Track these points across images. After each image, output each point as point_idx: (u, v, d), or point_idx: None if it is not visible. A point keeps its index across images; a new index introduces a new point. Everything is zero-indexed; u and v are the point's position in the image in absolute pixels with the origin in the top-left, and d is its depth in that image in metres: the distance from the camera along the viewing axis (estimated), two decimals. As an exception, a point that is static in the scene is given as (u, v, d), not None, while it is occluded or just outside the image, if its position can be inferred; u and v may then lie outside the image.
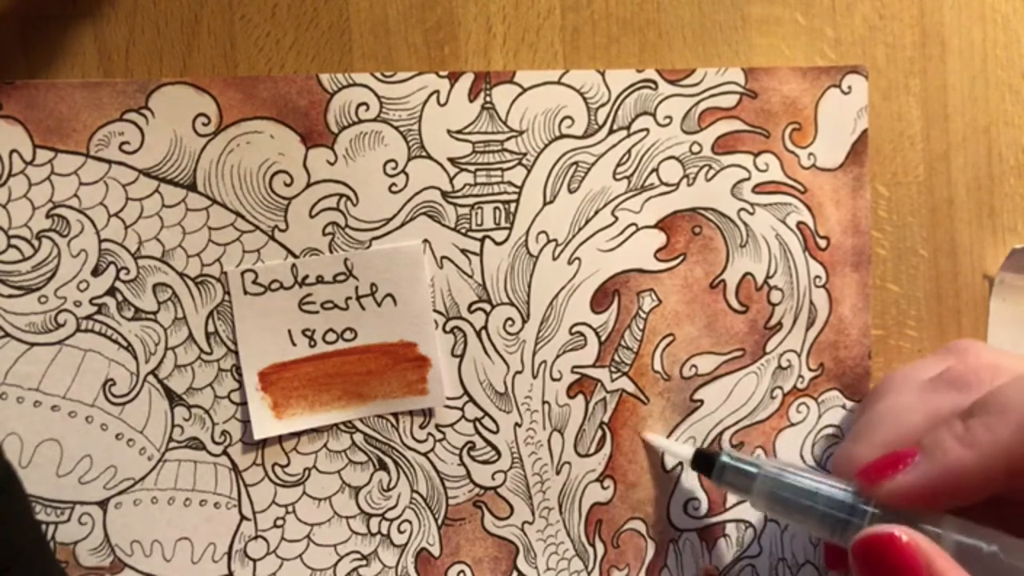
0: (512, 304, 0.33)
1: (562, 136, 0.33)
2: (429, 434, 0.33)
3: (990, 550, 0.27)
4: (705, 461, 0.33)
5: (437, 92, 0.32)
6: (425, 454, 0.33)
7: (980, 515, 0.28)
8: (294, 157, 0.31)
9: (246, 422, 0.31)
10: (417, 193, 0.32)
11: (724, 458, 0.32)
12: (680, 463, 0.35)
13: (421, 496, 0.33)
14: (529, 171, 0.33)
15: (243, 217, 0.31)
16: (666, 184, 0.35)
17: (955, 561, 0.26)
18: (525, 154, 0.33)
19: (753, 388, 0.36)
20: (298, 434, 0.32)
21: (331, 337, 0.32)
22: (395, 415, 0.33)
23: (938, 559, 0.26)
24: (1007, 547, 0.27)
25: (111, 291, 0.30)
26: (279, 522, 0.32)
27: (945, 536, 0.27)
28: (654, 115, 0.34)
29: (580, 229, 0.34)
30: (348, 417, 0.32)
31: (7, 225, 0.29)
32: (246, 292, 0.31)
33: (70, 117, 0.29)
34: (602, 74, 0.34)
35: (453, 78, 0.32)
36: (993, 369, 0.31)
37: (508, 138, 0.33)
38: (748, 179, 0.35)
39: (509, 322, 0.33)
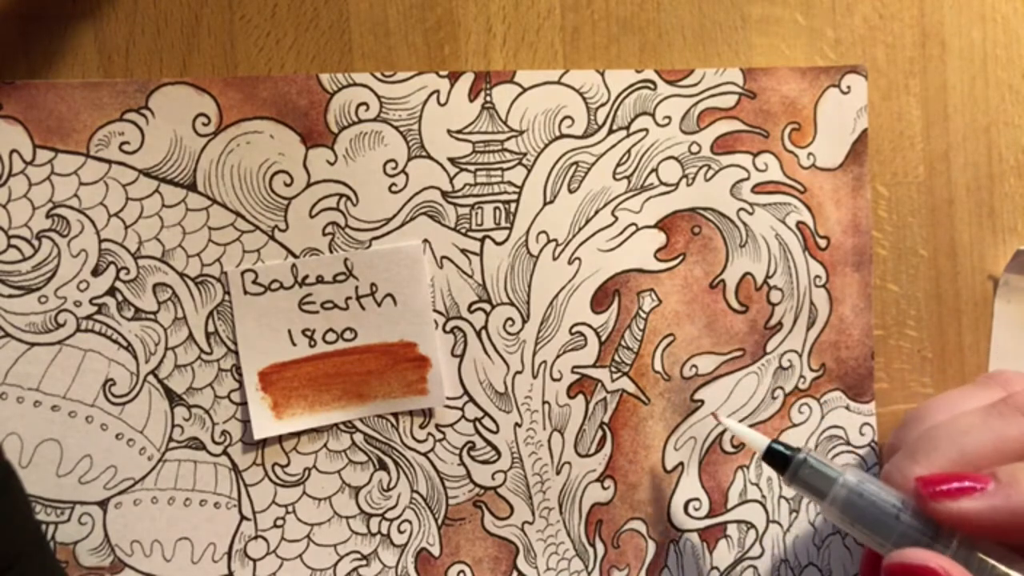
0: (512, 304, 0.33)
1: (562, 136, 0.33)
2: (429, 434, 0.33)
3: None
4: (779, 457, 0.30)
5: (437, 92, 0.32)
6: (425, 454, 0.33)
7: None
8: (294, 157, 0.31)
9: (246, 422, 0.31)
10: (417, 193, 0.32)
11: (803, 456, 0.30)
12: (681, 463, 0.35)
13: (421, 496, 0.33)
14: (529, 171, 0.33)
15: (243, 217, 0.31)
16: (665, 184, 0.35)
17: None
18: (525, 154, 0.33)
19: (754, 388, 0.36)
20: (298, 434, 0.32)
21: (331, 337, 0.32)
22: (395, 415, 0.33)
23: None
24: None
25: (111, 291, 0.30)
26: (279, 522, 0.32)
27: None
28: (653, 115, 0.34)
29: (580, 229, 0.34)
30: (348, 417, 0.32)
31: (7, 225, 0.29)
32: (246, 292, 0.31)
33: (70, 117, 0.29)
34: (602, 74, 0.34)
35: (453, 78, 0.32)
36: None
37: (508, 138, 0.33)
38: (747, 179, 0.35)
39: (509, 322, 0.33)
